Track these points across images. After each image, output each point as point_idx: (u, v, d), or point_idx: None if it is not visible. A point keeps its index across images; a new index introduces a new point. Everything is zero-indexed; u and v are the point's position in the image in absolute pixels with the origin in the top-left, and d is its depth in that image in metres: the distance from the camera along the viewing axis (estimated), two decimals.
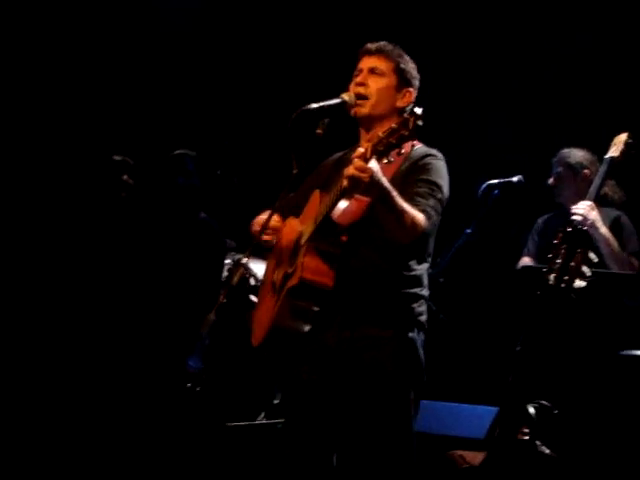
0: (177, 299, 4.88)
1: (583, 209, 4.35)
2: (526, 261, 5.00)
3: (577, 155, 4.92)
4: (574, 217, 4.34)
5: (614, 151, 4.40)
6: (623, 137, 4.42)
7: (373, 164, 2.88)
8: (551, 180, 4.96)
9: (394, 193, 2.98)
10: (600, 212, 4.49)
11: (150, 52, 6.20)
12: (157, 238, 5.12)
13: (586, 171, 4.86)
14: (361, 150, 2.91)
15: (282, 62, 6.28)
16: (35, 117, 5.77)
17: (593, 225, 4.39)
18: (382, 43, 3.36)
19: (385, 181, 2.95)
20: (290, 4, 6.33)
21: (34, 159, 5.70)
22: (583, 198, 4.71)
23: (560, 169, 4.94)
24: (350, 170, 2.88)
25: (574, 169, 4.91)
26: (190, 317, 4.70)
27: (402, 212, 3.01)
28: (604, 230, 4.48)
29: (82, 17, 6.00)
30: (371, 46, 3.36)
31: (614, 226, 4.61)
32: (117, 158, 5.12)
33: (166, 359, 4.77)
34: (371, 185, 2.90)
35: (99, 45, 6.03)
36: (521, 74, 5.88)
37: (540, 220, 5.08)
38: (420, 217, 3.06)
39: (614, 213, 4.72)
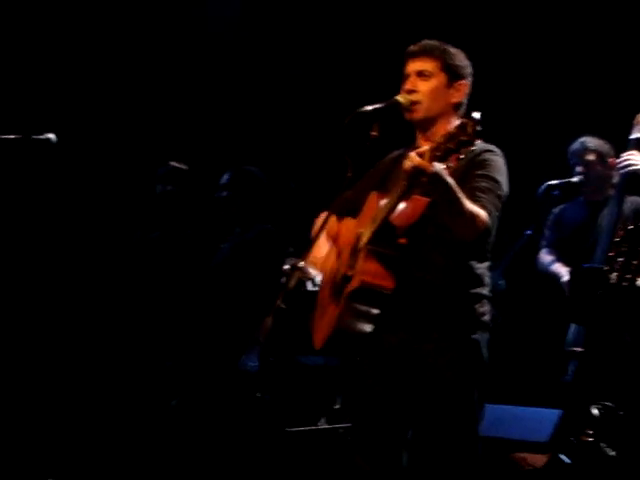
0: (236, 301, 4.89)
1: (633, 155, 4.31)
2: (545, 253, 4.99)
3: (602, 143, 4.91)
4: (630, 167, 4.31)
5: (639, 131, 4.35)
6: None
7: (436, 164, 2.86)
8: (581, 169, 4.90)
9: (457, 188, 2.96)
10: (627, 201, 4.45)
11: (196, 58, 6.25)
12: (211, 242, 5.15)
13: (612, 159, 4.82)
14: (419, 150, 2.89)
15: (334, 66, 6.28)
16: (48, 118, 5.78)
17: None
18: (424, 43, 3.31)
19: (447, 176, 2.92)
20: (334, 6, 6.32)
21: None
22: (607, 186, 4.70)
23: (591, 157, 4.90)
24: (407, 163, 2.88)
25: (603, 157, 4.87)
26: (244, 320, 4.71)
27: (465, 209, 2.98)
28: None
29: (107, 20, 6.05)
30: (414, 48, 3.31)
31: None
32: (173, 164, 5.16)
33: (222, 363, 4.79)
34: (433, 181, 2.89)
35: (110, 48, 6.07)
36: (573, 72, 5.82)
37: (556, 210, 5.06)
38: (482, 213, 3.05)
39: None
